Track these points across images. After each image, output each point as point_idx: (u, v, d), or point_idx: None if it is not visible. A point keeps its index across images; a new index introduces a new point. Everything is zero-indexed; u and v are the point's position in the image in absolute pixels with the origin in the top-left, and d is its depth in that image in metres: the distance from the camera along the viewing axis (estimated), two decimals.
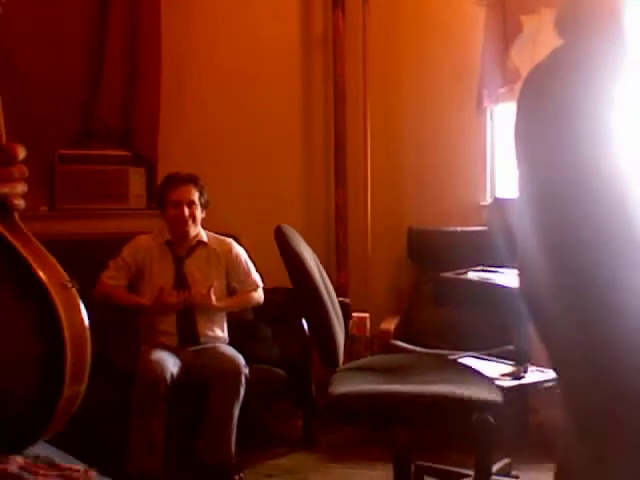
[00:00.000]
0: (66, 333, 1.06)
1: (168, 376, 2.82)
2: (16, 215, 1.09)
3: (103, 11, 3.52)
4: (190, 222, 3.12)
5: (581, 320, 1.28)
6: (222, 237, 3.27)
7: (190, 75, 3.69)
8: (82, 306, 1.11)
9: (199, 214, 3.16)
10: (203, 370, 2.91)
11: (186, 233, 3.14)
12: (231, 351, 3.03)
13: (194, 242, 3.17)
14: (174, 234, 3.16)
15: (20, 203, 1.07)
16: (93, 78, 3.54)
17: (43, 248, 1.13)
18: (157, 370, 2.82)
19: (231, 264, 3.21)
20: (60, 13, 3.45)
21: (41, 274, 1.07)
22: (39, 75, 3.41)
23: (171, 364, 2.90)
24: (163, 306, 3.04)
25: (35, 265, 1.07)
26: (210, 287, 3.07)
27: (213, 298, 3.07)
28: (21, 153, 1.05)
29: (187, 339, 3.08)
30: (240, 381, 2.85)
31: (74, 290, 1.10)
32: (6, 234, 1.07)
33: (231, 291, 3.24)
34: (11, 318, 1.08)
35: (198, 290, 3.09)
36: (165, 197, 3.15)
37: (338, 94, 3.79)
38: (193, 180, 3.16)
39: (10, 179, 1.05)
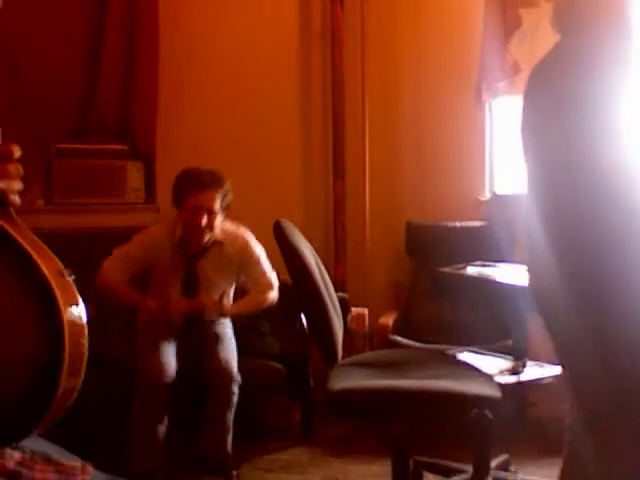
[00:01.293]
0: (65, 320, 1.08)
1: (170, 374, 2.75)
2: (12, 210, 1.13)
3: (102, 7, 3.51)
4: (206, 231, 2.90)
5: (590, 316, 1.28)
6: (238, 232, 3.03)
7: (188, 68, 3.67)
8: (78, 294, 1.14)
9: (218, 221, 2.92)
10: (199, 373, 2.85)
11: (200, 242, 2.93)
12: (226, 357, 2.87)
13: (209, 242, 2.97)
14: (187, 238, 2.96)
15: (16, 199, 1.12)
16: (91, 72, 3.52)
17: (39, 240, 1.16)
18: (158, 369, 2.74)
19: (246, 263, 3.01)
20: (59, 9, 3.43)
21: (41, 264, 1.10)
22: (37, 70, 3.40)
23: (172, 359, 2.82)
24: (170, 315, 2.90)
25: (35, 256, 1.10)
26: (222, 294, 2.96)
27: (226, 305, 2.96)
28: (17, 152, 1.11)
29: (191, 325, 2.97)
30: (232, 391, 2.78)
31: (70, 279, 1.14)
32: (6, 226, 1.11)
33: (242, 290, 3.11)
34: (11, 306, 1.09)
35: (209, 296, 2.96)
36: (183, 198, 2.89)
37: (336, 88, 3.78)
38: (217, 183, 2.88)
39: (7, 176, 1.09)
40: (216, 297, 2.96)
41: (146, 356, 2.81)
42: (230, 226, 3.02)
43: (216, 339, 2.96)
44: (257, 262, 3.01)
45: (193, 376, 2.87)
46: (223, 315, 2.99)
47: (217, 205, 2.88)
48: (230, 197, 2.93)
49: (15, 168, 1.11)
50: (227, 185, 2.91)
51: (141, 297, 2.95)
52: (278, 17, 3.81)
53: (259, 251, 3.02)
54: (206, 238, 2.92)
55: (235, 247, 2.99)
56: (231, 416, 2.80)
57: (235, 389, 2.79)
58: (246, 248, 3.00)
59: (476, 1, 3.58)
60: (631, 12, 1.33)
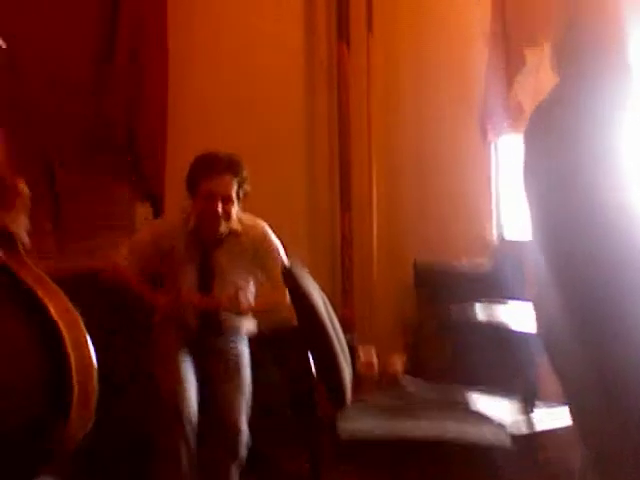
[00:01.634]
0: (71, 357, 1.08)
1: (193, 409, 2.55)
2: (20, 247, 1.15)
3: (109, 40, 3.54)
4: (222, 221, 2.72)
5: (595, 353, 1.26)
6: (254, 221, 2.88)
7: (195, 105, 3.70)
8: (85, 330, 1.14)
9: (235, 209, 2.75)
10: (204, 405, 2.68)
11: (215, 232, 2.75)
12: (238, 413, 2.67)
13: (225, 232, 2.80)
14: (202, 228, 2.78)
15: (24, 237, 1.14)
16: (98, 100, 3.54)
17: (47, 277, 1.17)
18: (180, 401, 2.53)
19: (263, 254, 2.84)
20: (66, 38, 3.48)
21: (47, 302, 1.11)
22: (44, 102, 3.43)
23: (193, 392, 2.61)
24: (183, 307, 2.73)
25: (41, 293, 1.11)
26: (238, 290, 2.76)
27: (243, 301, 2.76)
28: (24, 189, 1.13)
29: (208, 329, 2.80)
30: (241, 454, 2.60)
31: (79, 317, 1.14)
32: (13, 265, 1.13)
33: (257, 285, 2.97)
34: (17, 343, 1.10)
35: (225, 290, 2.77)
36: (197, 184, 2.72)
37: (343, 125, 3.81)
38: (233, 168, 2.73)
39: (14, 210, 1.11)
40: (231, 292, 2.77)
41: (164, 382, 2.61)
42: (248, 217, 2.87)
43: (232, 380, 2.75)
44: (275, 254, 2.84)
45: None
46: (239, 312, 2.79)
47: (233, 191, 2.72)
48: (248, 186, 2.77)
49: (21, 202, 1.12)
50: (245, 172, 2.76)
51: (152, 291, 2.80)
52: (284, 54, 3.85)
53: (277, 244, 2.86)
54: (222, 227, 2.76)
55: (252, 238, 2.83)
56: (237, 471, 2.64)
57: (244, 451, 2.62)
58: (264, 239, 2.85)
59: (480, 41, 3.61)
60: (629, 50, 1.34)
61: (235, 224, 2.79)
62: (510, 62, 3.39)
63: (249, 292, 2.88)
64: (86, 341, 1.15)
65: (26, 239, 1.16)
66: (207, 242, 2.80)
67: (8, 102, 3.23)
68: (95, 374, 1.15)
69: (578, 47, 1.40)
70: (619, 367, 1.26)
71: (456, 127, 3.77)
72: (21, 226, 1.15)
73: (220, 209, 2.70)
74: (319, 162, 3.91)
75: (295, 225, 3.81)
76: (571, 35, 1.41)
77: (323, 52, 3.91)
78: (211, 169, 2.71)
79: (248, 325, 2.92)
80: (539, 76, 3.03)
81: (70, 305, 1.18)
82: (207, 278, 2.79)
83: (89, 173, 3.55)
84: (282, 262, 2.82)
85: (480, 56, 3.59)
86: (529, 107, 3.15)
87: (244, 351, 2.90)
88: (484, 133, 3.64)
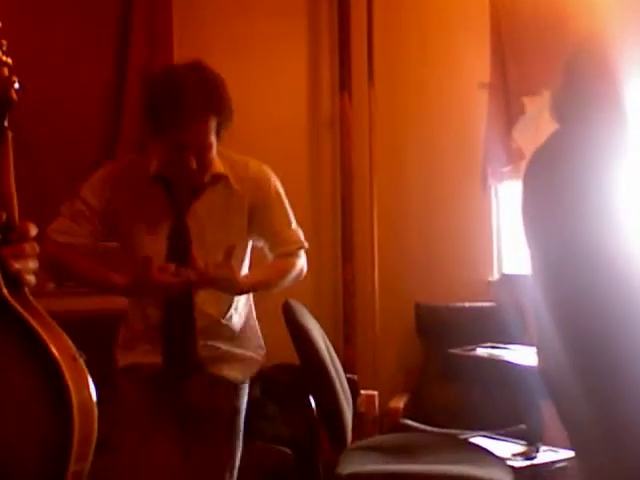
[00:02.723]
0: (74, 406, 1.08)
1: None
2: (27, 290, 1.14)
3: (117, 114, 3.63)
4: (198, 173, 1.90)
5: (601, 399, 1.28)
6: (251, 161, 2.04)
7: None
8: (90, 379, 1.13)
9: (214, 152, 1.90)
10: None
11: (188, 184, 1.94)
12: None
13: (207, 178, 1.95)
14: (169, 177, 1.95)
15: (31, 279, 1.13)
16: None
17: (53, 321, 1.17)
18: None
19: (261, 208, 1.99)
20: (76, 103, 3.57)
21: (52, 347, 1.11)
22: (51, 155, 3.50)
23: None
24: (149, 288, 1.82)
25: (46, 338, 1.11)
26: (229, 250, 1.84)
27: (236, 270, 1.88)
28: (33, 231, 1.11)
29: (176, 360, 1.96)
30: None
31: (82, 362, 1.14)
32: (18, 308, 1.12)
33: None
34: (21, 390, 1.10)
35: (210, 260, 1.84)
36: (161, 129, 1.85)
37: (345, 174, 3.87)
38: (213, 104, 1.83)
39: (23, 256, 1.10)
40: (219, 258, 1.84)
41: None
42: (241, 157, 2.05)
43: (218, 442, 2.10)
44: (277, 204, 2.02)
45: None
46: (234, 285, 1.88)
47: (212, 134, 1.86)
48: (229, 113, 1.88)
49: (31, 247, 1.12)
50: (228, 101, 1.87)
51: (108, 272, 1.93)
52: (287, 106, 3.92)
53: (280, 192, 2.04)
54: (198, 180, 1.93)
55: (245, 181, 1.97)
56: None
57: None
58: (261, 181, 2.00)
59: (481, 89, 3.69)
60: (625, 101, 1.39)
61: (219, 166, 1.94)
62: (510, 110, 3.47)
63: (244, 263, 2.02)
64: (87, 383, 1.16)
65: (32, 279, 1.16)
66: (181, 192, 1.96)
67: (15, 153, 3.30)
68: (95, 425, 1.15)
69: (578, 96, 1.45)
70: (623, 406, 1.27)
71: (457, 173, 3.83)
72: (28, 266, 1.16)
73: (194, 165, 1.86)
74: (321, 210, 3.96)
75: None
76: (571, 84, 1.46)
77: (326, 103, 3.99)
78: (182, 113, 1.80)
79: (253, 353, 2.09)
80: (539, 123, 3.10)
81: (75, 351, 1.18)
82: (180, 244, 1.91)
83: None
84: (288, 216, 2.06)
85: (481, 104, 3.67)
86: (529, 153, 3.21)
87: (240, 402, 2.14)
88: (485, 178, 3.70)
